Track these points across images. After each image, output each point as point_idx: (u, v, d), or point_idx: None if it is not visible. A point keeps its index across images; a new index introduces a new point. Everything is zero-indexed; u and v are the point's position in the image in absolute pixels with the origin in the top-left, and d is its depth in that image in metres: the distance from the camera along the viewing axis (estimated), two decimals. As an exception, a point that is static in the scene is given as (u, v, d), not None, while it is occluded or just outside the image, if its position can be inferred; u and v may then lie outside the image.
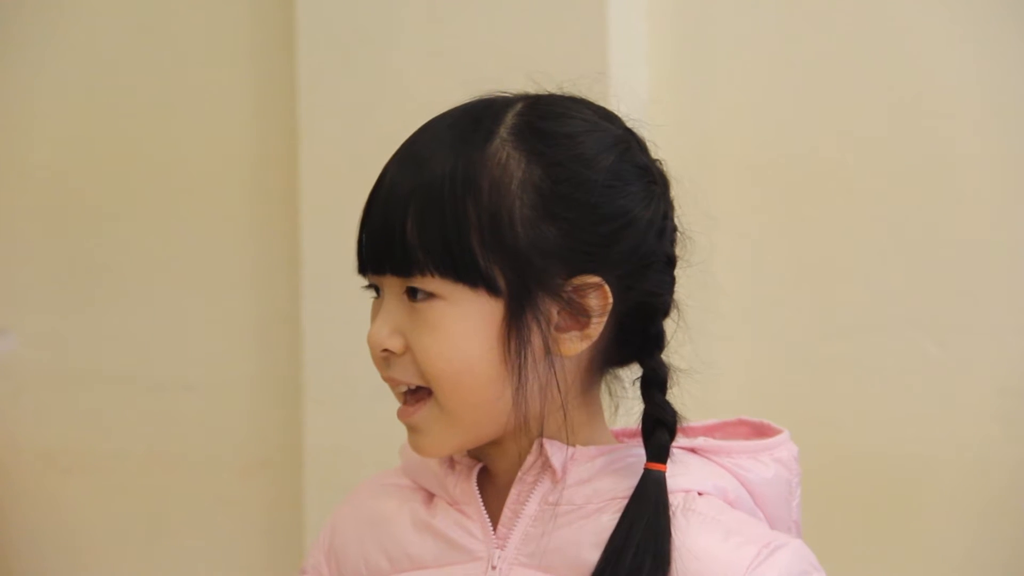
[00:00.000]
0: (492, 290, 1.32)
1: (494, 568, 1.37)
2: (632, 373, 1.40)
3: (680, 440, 1.37)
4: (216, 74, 2.61)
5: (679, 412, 1.36)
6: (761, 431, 1.46)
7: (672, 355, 1.38)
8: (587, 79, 1.44)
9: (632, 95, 2.08)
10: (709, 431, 1.47)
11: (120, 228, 2.67)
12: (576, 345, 1.34)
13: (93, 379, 2.68)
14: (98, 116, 2.68)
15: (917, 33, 2.21)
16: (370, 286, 1.38)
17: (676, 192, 1.41)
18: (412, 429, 1.38)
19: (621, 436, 1.44)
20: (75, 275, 2.69)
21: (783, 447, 1.43)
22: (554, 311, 1.33)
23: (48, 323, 2.71)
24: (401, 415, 1.38)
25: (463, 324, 1.32)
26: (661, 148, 1.45)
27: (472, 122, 1.35)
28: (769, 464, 1.41)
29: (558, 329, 1.34)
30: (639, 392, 1.37)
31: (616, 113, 1.41)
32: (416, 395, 1.37)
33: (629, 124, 1.40)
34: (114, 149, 2.67)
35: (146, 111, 2.65)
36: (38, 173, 2.72)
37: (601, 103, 1.42)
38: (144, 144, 2.65)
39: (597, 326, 1.34)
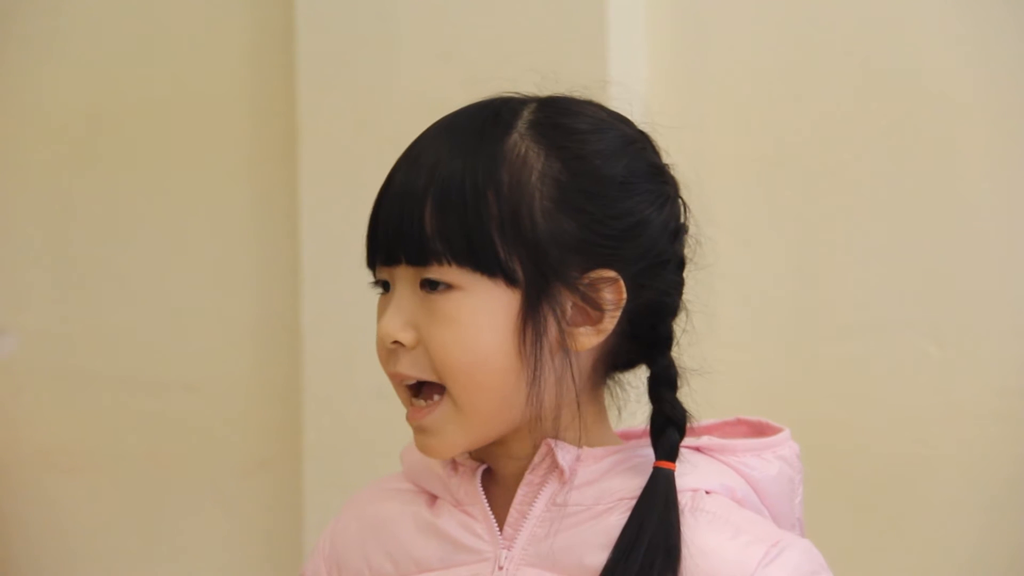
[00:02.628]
0: (510, 280, 1.32)
1: (501, 568, 1.36)
2: (632, 377, 1.41)
3: (684, 440, 1.37)
4: (216, 74, 2.60)
5: (689, 411, 1.36)
6: (760, 430, 1.47)
7: (681, 356, 1.38)
8: (587, 79, 1.44)
9: (632, 95, 2.08)
10: (708, 430, 1.47)
11: (120, 228, 2.67)
12: (589, 339, 1.34)
13: (93, 379, 2.68)
14: (97, 117, 2.67)
15: (918, 31, 2.21)
16: (377, 283, 1.38)
17: (685, 196, 1.42)
18: (421, 431, 1.37)
19: (624, 437, 1.44)
20: (75, 275, 2.69)
21: (785, 445, 1.44)
22: (569, 304, 1.34)
23: (48, 323, 2.71)
24: (412, 418, 1.37)
25: (480, 315, 1.32)
26: (661, 148, 1.45)
27: (489, 118, 1.36)
28: (773, 461, 1.41)
29: (572, 323, 1.34)
30: (641, 395, 1.38)
31: (628, 117, 1.41)
32: (423, 393, 1.36)
33: (641, 127, 1.41)
34: (113, 149, 2.67)
35: (145, 111, 2.65)
36: (38, 174, 2.72)
37: (600, 102, 1.43)
38: (144, 145, 2.65)
39: (611, 321, 1.34)
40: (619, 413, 1.41)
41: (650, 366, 1.38)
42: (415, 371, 1.35)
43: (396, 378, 1.37)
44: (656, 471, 1.33)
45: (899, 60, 2.22)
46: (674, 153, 1.45)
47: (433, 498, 1.43)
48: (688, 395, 1.37)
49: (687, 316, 1.40)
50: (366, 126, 2.36)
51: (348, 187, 2.38)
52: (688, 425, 1.36)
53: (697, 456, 1.39)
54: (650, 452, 1.35)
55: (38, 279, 2.72)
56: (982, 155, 2.19)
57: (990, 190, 2.18)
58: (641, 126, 1.41)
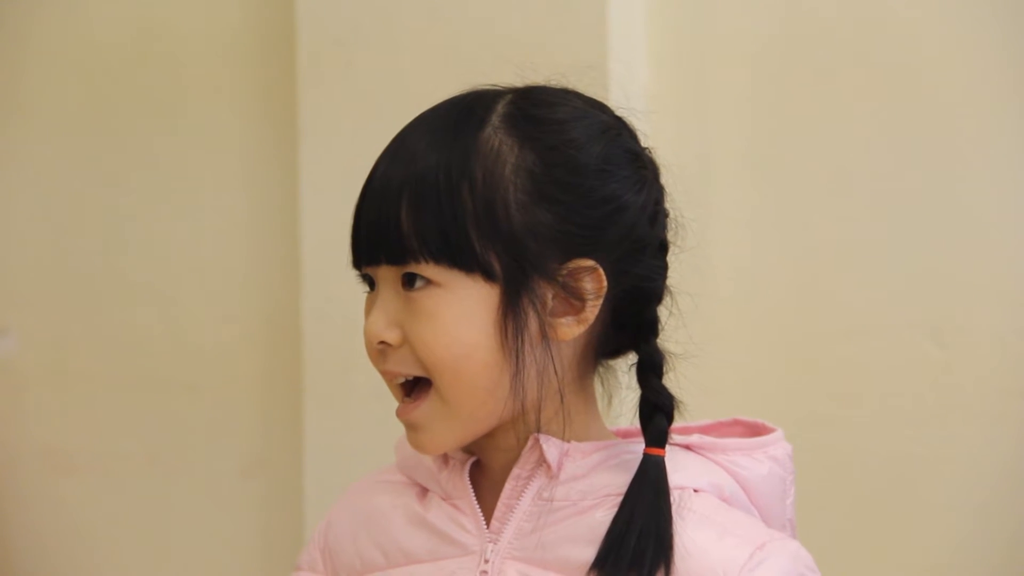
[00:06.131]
0: (488, 276, 1.32)
1: (487, 562, 1.37)
2: (625, 364, 1.41)
3: (675, 438, 1.38)
4: (216, 74, 2.61)
5: (676, 397, 1.36)
6: (756, 430, 1.46)
7: (667, 342, 1.38)
8: (587, 77, 1.44)
9: (632, 92, 2.08)
10: (704, 431, 1.47)
11: (120, 228, 2.67)
12: (572, 329, 1.34)
13: (93, 379, 2.69)
14: (97, 117, 2.68)
15: (919, 31, 2.21)
16: (363, 278, 1.39)
17: (668, 181, 1.41)
18: (412, 427, 1.38)
19: (616, 435, 1.44)
20: (75, 275, 2.69)
21: (777, 445, 1.43)
22: (549, 295, 1.34)
23: (48, 323, 2.72)
24: (400, 413, 1.38)
25: (460, 310, 1.32)
26: (661, 144, 1.45)
27: (463, 112, 1.36)
28: (764, 461, 1.41)
29: (553, 314, 1.34)
30: (633, 382, 1.38)
31: (605, 103, 1.41)
32: (415, 390, 1.37)
33: (619, 113, 1.41)
34: (113, 149, 2.68)
35: (145, 110, 2.65)
36: (38, 174, 2.72)
37: (600, 100, 1.42)
38: (144, 144, 2.66)
39: (592, 310, 1.34)
40: (609, 401, 1.42)
41: (636, 352, 1.38)
42: (404, 368, 1.36)
43: (387, 375, 1.38)
44: (646, 458, 1.33)
45: (901, 57, 2.22)
46: (674, 150, 1.45)
47: (424, 491, 1.44)
48: (675, 381, 1.37)
49: (672, 300, 1.40)
50: (366, 126, 2.36)
51: (348, 187, 2.37)
52: (676, 410, 1.35)
53: (686, 454, 1.39)
54: (639, 448, 1.35)
55: (38, 279, 2.72)
56: (983, 154, 2.18)
57: (991, 189, 2.18)
58: (619, 111, 1.41)
